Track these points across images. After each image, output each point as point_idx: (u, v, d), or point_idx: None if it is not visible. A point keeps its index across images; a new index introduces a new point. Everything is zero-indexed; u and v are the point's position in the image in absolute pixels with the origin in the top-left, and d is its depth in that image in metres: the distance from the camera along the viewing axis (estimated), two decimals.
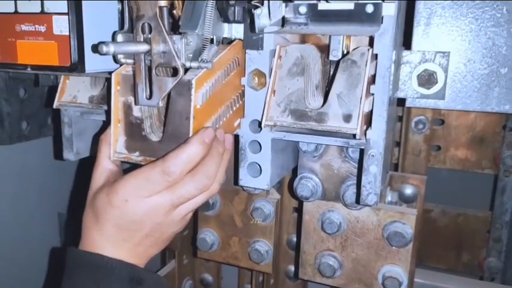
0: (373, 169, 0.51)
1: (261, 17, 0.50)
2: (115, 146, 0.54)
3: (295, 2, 0.51)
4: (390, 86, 0.49)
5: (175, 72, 0.49)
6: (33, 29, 0.53)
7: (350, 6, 0.49)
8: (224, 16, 0.53)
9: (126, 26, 0.52)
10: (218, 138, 0.52)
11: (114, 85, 0.52)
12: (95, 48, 0.51)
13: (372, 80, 0.49)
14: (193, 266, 0.96)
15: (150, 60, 0.50)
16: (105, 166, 0.54)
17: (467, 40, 0.54)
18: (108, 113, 0.60)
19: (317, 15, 0.51)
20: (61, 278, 0.54)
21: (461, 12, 0.54)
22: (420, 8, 0.55)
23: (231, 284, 0.94)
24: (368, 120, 0.50)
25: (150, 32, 0.49)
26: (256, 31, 0.50)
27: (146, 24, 0.49)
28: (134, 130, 0.53)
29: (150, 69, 0.50)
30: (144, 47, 0.49)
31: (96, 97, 0.63)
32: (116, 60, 0.52)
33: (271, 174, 0.56)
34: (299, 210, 0.72)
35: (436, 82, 0.55)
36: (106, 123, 0.68)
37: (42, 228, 0.96)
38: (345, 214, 0.62)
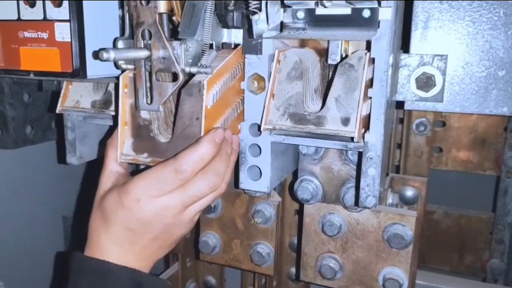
0: (372, 172, 0.51)
1: (259, 22, 0.50)
2: (122, 148, 0.54)
3: (293, 8, 0.52)
4: (388, 89, 0.50)
5: (175, 77, 0.50)
6: (36, 36, 0.54)
7: (347, 11, 0.50)
8: (223, 22, 0.53)
9: (127, 32, 0.53)
10: (227, 139, 0.53)
11: (121, 87, 0.53)
12: (96, 55, 0.52)
13: (370, 83, 0.50)
14: (197, 269, 0.96)
15: (150, 66, 0.51)
16: (112, 169, 0.55)
17: (465, 43, 0.55)
18: (115, 115, 0.61)
19: (315, 20, 0.52)
20: (66, 283, 0.54)
21: (459, 15, 0.54)
22: (418, 11, 0.56)
23: (234, 286, 0.95)
24: (366, 123, 0.51)
25: (150, 38, 0.49)
26: (255, 36, 0.51)
27: (146, 31, 0.49)
28: (142, 132, 0.53)
29: (150, 74, 0.51)
30: (144, 53, 0.49)
31: (98, 102, 0.64)
32: (117, 66, 0.53)
33: (271, 177, 0.57)
34: (300, 212, 0.73)
35: (434, 85, 0.56)
36: (110, 128, 0.69)
37: (47, 232, 0.97)
38: (345, 216, 0.62)
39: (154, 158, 0.53)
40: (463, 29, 0.54)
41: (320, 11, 0.51)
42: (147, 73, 0.51)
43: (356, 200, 0.57)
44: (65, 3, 0.51)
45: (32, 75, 0.55)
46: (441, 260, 1.02)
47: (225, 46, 0.57)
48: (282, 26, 0.53)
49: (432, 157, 0.97)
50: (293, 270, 0.83)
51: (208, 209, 0.72)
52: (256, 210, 0.70)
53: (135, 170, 0.58)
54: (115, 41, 0.53)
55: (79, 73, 0.52)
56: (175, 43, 0.50)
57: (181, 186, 0.50)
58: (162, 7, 0.49)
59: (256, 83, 0.55)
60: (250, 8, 0.50)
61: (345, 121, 0.50)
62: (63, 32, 0.52)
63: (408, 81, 0.57)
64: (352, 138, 0.50)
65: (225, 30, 0.56)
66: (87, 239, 0.54)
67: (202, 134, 0.50)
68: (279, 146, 0.58)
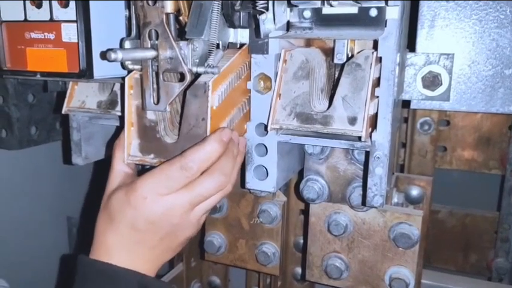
0: (379, 171, 0.51)
1: (266, 22, 0.50)
2: (128, 149, 0.54)
3: (300, 7, 0.52)
4: (395, 88, 0.50)
5: (182, 77, 0.50)
6: (43, 37, 0.54)
7: (354, 10, 0.49)
8: (230, 22, 0.53)
9: (134, 32, 0.53)
10: (233, 139, 0.53)
11: (127, 89, 0.53)
12: (103, 55, 0.52)
13: (377, 82, 0.50)
14: (201, 269, 0.96)
15: (157, 66, 0.51)
16: (119, 169, 0.55)
17: (471, 42, 0.55)
18: (121, 116, 0.61)
19: (321, 20, 0.51)
20: (72, 286, 0.53)
21: (465, 14, 0.54)
22: (424, 10, 0.56)
23: (238, 286, 0.95)
24: (373, 122, 0.51)
25: (157, 38, 0.49)
26: (262, 36, 0.51)
27: (153, 31, 0.49)
28: (148, 133, 0.53)
29: (157, 74, 0.51)
30: (151, 53, 0.49)
31: (104, 102, 0.64)
32: (123, 66, 0.53)
33: (277, 177, 0.57)
34: (305, 212, 0.73)
35: (441, 84, 0.56)
36: (117, 128, 0.69)
37: (51, 232, 0.97)
38: (351, 216, 0.62)
39: (161, 158, 0.53)
40: (469, 27, 0.54)
41: (327, 10, 0.51)
42: (153, 73, 0.51)
43: (363, 199, 0.57)
44: (72, 4, 0.51)
45: (38, 76, 0.55)
46: (446, 259, 1.02)
47: (230, 46, 0.57)
48: (289, 26, 0.53)
49: (437, 156, 0.98)
50: (298, 270, 0.83)
51: (214, 209, 0.72)
52: (262, 210, 0.70)
53: (141, 170, 0.58)
54: (121, 41, 0.53)
55: (86, 73, 0.52)
56: (182, 43, 0.50)
57: (188, 185, 0.50)
58: (169, 7, 0.49)
59: (262, 82, 0.55)
60: (257, 8, 0.50)
61: (352, 120, 0.50)
62: (69, 33, 0.52)
63: (414, 80, 0.57)
64: (359, 138, 0.50)
65: (231, 29, 0.56)
66: (93, 240, 0.54)
67: (208, 134, 0.50)
68: (284, 145, 0.58)
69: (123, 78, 0.54)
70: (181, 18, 0.51)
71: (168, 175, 0.49)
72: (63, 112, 0.65)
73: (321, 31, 0.52)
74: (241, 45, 0.57)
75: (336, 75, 0.57)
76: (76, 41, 0.52)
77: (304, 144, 0.60)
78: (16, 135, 0.80)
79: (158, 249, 0.53)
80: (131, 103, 0.53)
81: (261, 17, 0.50)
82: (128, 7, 0.56)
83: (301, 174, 0.64)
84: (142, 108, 0.53)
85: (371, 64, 0.50)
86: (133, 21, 0.53)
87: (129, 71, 0.53)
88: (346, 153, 0.60)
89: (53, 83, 0.69)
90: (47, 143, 0.86)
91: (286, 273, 0.83)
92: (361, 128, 0.49)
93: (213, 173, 0.51)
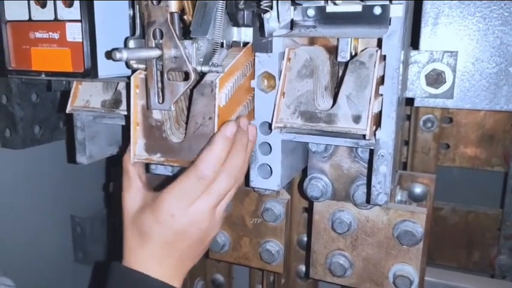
0: (383, 169, 0.51)
1: (270, 20, 0.50)
2: (135, 148, 0.54)
3: (304, 5, 0.52)
4: (399, 86, 0.50)
5: (186, 76, 0.50)
6: (47, 36, 0.54)
7: (358, 8, 0.49)
8: (233, 20, 0.53)
9: (138, 32, 0.53)
10: (242, 128, 0.53)
11: (133, 88, 0.53)
12: (108, 55, 0.52)
13: (381, 80, 0.50)
14: (205, 267, 0.96)
15: (162, 65, 0.51)
16: (137, 187, 0.55)
17: (475, 39, 0.55)
18: (126, 115, 0.61)
19: (325, 18, 0.52)
20: None
21: (469, 11, 0.54)
22: (427, 8, 0.56)
23: (242, 284, 0.95)
24: (377, 120, 0.51)
25: (162, 37, 0.50)
26: (266, 35, 0.51)
27: (157, 30, 0.50)
28: (154, 132, 0.54)
29: (162, 74, 0.51)
30: (156, 53, 0.49)
31: (108, 101, 0.64)
32: (128, 65, 0.53)
33: (281, 175, 0.57)
34: (309, 210, 0.73)
35: (445, 81, 0.56)
36: (122, 128, 0.69)
37: (56, 231, 0.97)
38: (355, 214, 0.62)
39: (168, 158, 0.53)
40: (473, 25, 0.54)
41: (330, 8, 0.51)
42: (158, 72, 0.51)
43: (367, 197, 0.57)
44: (76, 4, 0.51)
45: (43, 75, 0.55)
46: (449, 256, 1.02)
47: (234, 44, 0.57)
48: (293, 24, 0.53)
49: (439, 153, 0.97)
50: (301, 267, 0.83)
51: None
52: (266, 208, 0.70)
53: (160, 184, 0.58)
54: (126, 40, 0.53)
55: (90, 73, 0.52)
56: (187, 42, 0.50)
57: (206, 190, 0.51)
58: (173, 6, 0.49)
59: (266, 81, 0.55)
60: (261, 7, 0.50)
61: (356, 119, 0.50)
62: (74, 32, 0.52)
63: (418, 77, 0.57)
64: (363, 136, 0.50)
65: (235, 28, 0.56)
66: (123, 254, 0.55)
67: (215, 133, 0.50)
68: (288, 144, 0.58)
69: (127, 78, 0.55)
70: (185, 17, 0.51)
71: (188, 188, 0.50)
72: (67, 111, 0.65)
73: (325, 29, 0.52)
74: (245, 44, 0.57)
75: (340, 74, 0.57)
76: (80, 40, 0.52)
77: (308, 143, 0.60)
78: (20, 134, 0.80)
79: (188, 254, 0.54)
80: (137, 102, 0.54)
81: (265, 16, 0.50)
82: (132, 6, 0.56)
83: (305, 173, 0.64)
84: (147, 108, 0.53)
85: (375, 62, 0.50)
86: (138, 21, 0.53)
87: (134, 71, 0.54)
88: (350, 151, 0.60)
89: (56, 82, 0.70)
90: (51, 142, 0.87)
91: (289, 271, 0.84)
92: (365, 126, 0.49)
93: (227, 170, 0.51)
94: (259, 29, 0.52)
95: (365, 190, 0.59)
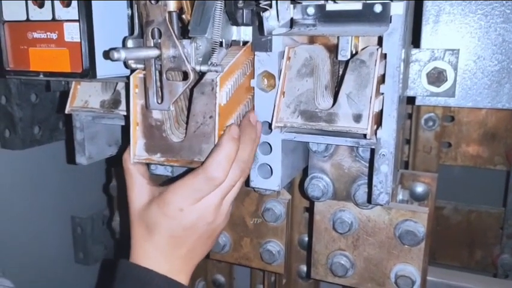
0: (384, 168, 0.51)
1: (270, 19, 0.50)
2: (134, 148, 0.54)
3: (303, 4, 0.51)
4: (400, 85, 0.49)
5: (185, 76, 0.50)
6: (45, 37, 0.54)
7: (358, 6, 0.49)
8: (233, 19, 0.53)
9: (136, 31, 0.53)
10: (251, 123, 0.53)
11: (132, 88, 0.53)
12: (107, 55, 0.51)
13: (382, 79, 0.49)
14: (206, 267, 0.96)
15: (161, 65, 0.50)
16: (142, 183, 0.55)
17: (477, 37, 0.54)
18: (125, 115, 0.61)
19: (325, 16, 0.51)
20: (111, 286, 0.55)
21: (470, 9, 0.54)
22: (428, 5, 0.55)
23: (243, 284, 0.95)
24: (378, 119, 0.50)
25: (160, 37, 0.49)
26: (265, 33, 0.51)
27: (156, 30, 0.49)
28: (154, 132, 0.53)
29: (160, 73, 0.51)
30: (155, 52, 0.49)
31: (107, 101, 0.64)
32: (126, 65, 0.53)
33: (282, 175, 0.57)
34: (310, 210, 0.72)
35: (446, 80, 0.55)
36: (122, 128, 0.69)
37: (56, 232, 0.97)
38: (356, 213, 0.62)
39: (168, 157, 0.53)
40: (474, 22, 0.54)
41: (330, 6, 0.50)
42: (157, 72, 0.51)
43: (368, 197, 0.56)
44: (74, 3, 0.51)
45: (41, 76, 0.55)
46: (451, 256, 1.02)
47: (233, 43, 0.57)
48: (292, 23, 0.53)
49: (441, 152, 0.97)
50: (303, 267, 0.83)
51: None
52: (266, 208, 0.69)
53: (164, 181, 0.58)
54: (124, 40, 0.53)
55: (89, 73, 0.52)
56: (185, 42, 0.49)
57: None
58: (172, 5, 0.48)
59: (266, 80, 0.54)
60: (260, 5, 0.49)
61: (357, 118, 0.49)
62: (72, 32, 0.52)
63: (419, 76, 0.56)
64: (364, 135, 0.49)
65: (234, 27, 0.55)
66: (130, 250, 0.55)
67: (216, 132, 0.50)
68: (289, 143, 0.57)
69: (126, 78, 0.54)
70: (184, 16, 0.51)
71: (195, 187, 0.50)
72: (66, 112, 0.65)
73: (325, 28, 0.51)
74: (244, 43, 0.57)
75: (340, 72, 0.57)
76: (79, 40, 0.52)
77: (308, 142, 0.59)
78: (19, 135, 0.80)
79: (196, 248, 0.54)
80: (136, 102, 0.53)
81: (265, 15, 0.50)
82: (131, 6, 0.55)
83: (305, 172, 0.63)
84: (146, 108, 0.53)
85: (376, 61, 0.49)
86: (136, 20, 0.53)
87: (132, 70, 0.53)
88: (350, 151, 0.59)
89: (55, 82, 0.69)
90: (51, 142, 0.86)
91: (291, 271, 0.83)
92: (366, 125, 0.49)
93: (234, 164, 0.51)
94: (259, 28, 0.52)
95: (366, 190, 0.58)
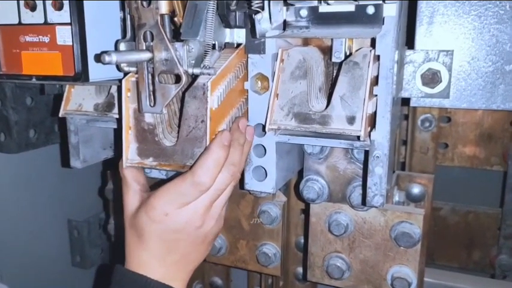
0: (379, 170, 0.50)
1: (262, 21, 0.50)
2: (127, 153, 0.54)
3: (296, 6, 0.51)
4: (393, 86, 0.49)
5: (178, 79, 0.50)
6: (37, 40, 0.53)
7: (351, 8, 0.49)
8: (225, 22, 0.53)
9: (129, 34, 0.52)
10: (240, 129, 0.53)
11: (124, 92, 0.53)
12: (98, 58, 0.51)
13: (375, 81, 0.49)
14: (203, 270, 0.96)
15: (153, 68, 0.50)
16: (135, 188, 0.55)
17: (471, 38, 0.54)
18: (118, 118, 0.60)
19: (318, 18, 0.51)
20: None
21: (464, 10, 0.54)
22: (422, 7, 0.55)
23: (240, 286, 0.94)
24: (372, 121, 0.50)
25: (152, 40, 0.49)
26: (258, 36, 0.50)
27: (148, 33, 0.49)
28: (146, 136, 0.53)
29: (153, 76, 0.50)
30: (147, 55, 0.49)
31: (101, 105, 0.63)
32: (119, 68, 0.52)
33: (276, 177, 0.56)
34: (306, 211, 0.72)
35: (440, 81, 0.55)
36: (115, 131, 0.68)
37: (52, 235, 0.97)
38: (352, 215, 0.62)
39: (161, 161, 0.53)
40: (468, 23, 0.54)
41: (323, 8, 0.50)
42: (149, 75, 0.51)
43: (363, 199, 0.56)
44: (66, 7, 0.51)
45: (34, 79, 0.55)
46: (449, 256, 1.01)
47: (227, 46, 0.57)
48: (285, 25, 0.53)
49: (438, 153, 0.97)
50: (300, 270, 0.83)
51: None
52: (262, 210, 0.69)
53: (154, 184, 0.58)
54: (117, 43, 0.52)
55: (81, 76, 0.52)
56: (178, 44, 0.49)
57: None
58: (164, 8, 0.48)
59: (259, 82, 0.54)
60: (253, 7, 0.49)
61: (351, 120, 0.49)
62: (64, 36, 0.52)
63: (414, 77, 0.56)
64: (358, 137, 0.49)
65: (227, 30, 0.55)
66: (125, 258, 0.55)
67: (207, 136, 0.50)
68: (283, 146, 0.57)
69: (119, 81, 0.54)
70: (176, 19, 0.51)
71: (182, 192, 0.50)
72: (60, 115, 0.65)
73: (318, 30, 0.51)
74: (238, 45, 0.56)
75: (334, 74, 0.57)
76: (71, 43, 0.51)
77: (303, 144, 0.59)
78: (15, 138, 0.79)
79: (189, 255, 0.54)
80: (128, 106, 0.53)
81: (257, 17, 0.49)
82: (123, 9, 0.55)
83: (300, 174, 0.63)
84: (139, 111, 0.52)
85: (369, 62, 0.49)
86: (128, 23, 0.52)
87: (125, 74, 0.53)
88: (345, 153, 0.59)
89: (49, 85, 0.69)
90: (46, 146, 0.86)
91: (288, 273, 0.83)
92: (359, 127, 0.48)
93: (224, 167, 0.51)
94: (251, 30, 0.52)
95: (361, 191, 0.58)
